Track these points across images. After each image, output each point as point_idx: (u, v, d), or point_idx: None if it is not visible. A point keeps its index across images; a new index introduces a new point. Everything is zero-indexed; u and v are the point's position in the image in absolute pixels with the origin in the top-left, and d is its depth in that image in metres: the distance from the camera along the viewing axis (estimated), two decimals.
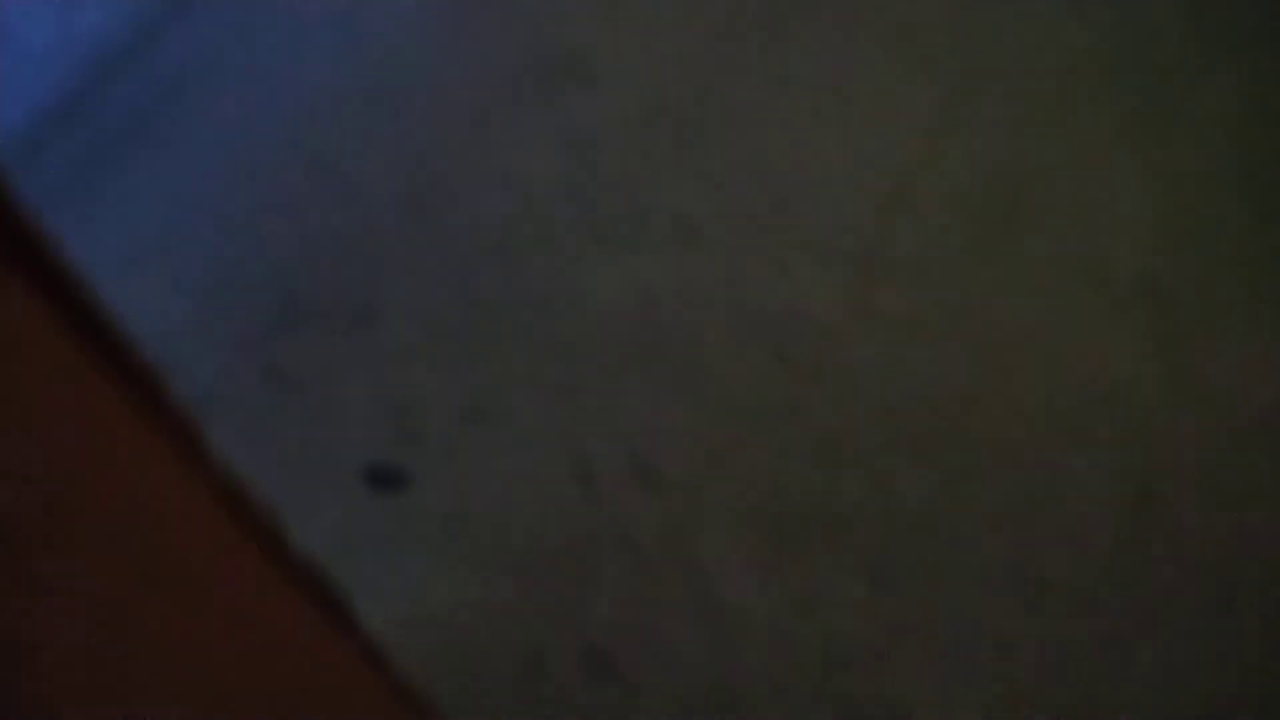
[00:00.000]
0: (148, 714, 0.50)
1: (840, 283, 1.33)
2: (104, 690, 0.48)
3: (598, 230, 1.44)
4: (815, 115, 1.48)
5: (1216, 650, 1.07)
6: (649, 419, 1.26)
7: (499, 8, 1.71)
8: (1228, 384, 1.20)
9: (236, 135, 1.66)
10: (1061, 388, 1.21)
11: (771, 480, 1.19)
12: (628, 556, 1.17)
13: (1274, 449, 1.16)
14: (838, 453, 1.20)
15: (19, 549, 0.45)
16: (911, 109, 1.43)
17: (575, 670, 1.12)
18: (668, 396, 1.27)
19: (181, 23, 1.78)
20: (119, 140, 1.68)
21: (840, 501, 1.18)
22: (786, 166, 1.45)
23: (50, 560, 0.46)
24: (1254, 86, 1.42)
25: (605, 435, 1.26)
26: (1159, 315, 1.26)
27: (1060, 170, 1.38)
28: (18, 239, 0.47)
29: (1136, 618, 1.09)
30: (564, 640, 1.13)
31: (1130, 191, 1.35)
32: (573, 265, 1.41)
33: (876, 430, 1.21)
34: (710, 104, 1.54)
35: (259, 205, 1.57)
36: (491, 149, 1.56)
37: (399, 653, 1.15)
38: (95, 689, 0.48)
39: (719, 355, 1.29)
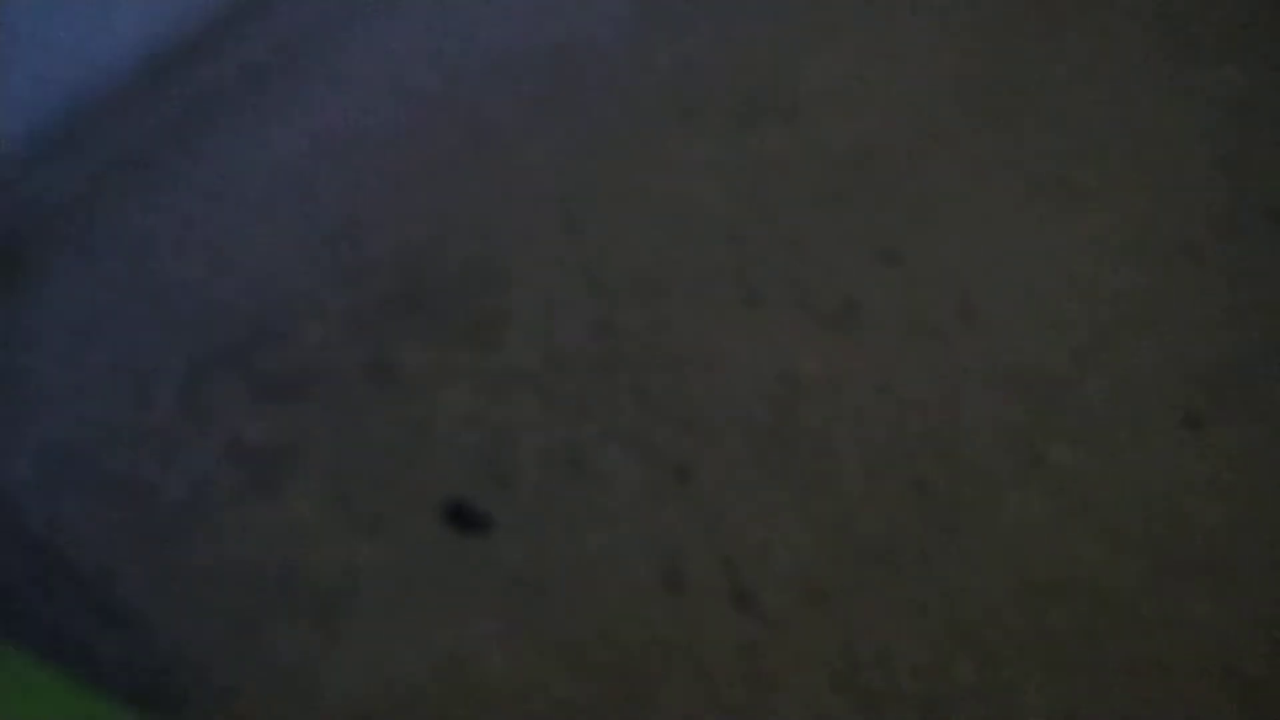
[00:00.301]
0: None
1: (1011, 421, 1.16)
2: None
3: (754, 291, 1.30)
4: (1034, 216, 1.30)
5: None
6: (757, 529, 1.13)
7: (712, 19, 1.56)
8: None
9: (401, 78, 1.57)
10: (1253, 622, 1.03)
11: (877, 639, 1.05)
12: (695, 682, 1.05)
13: None
14: (960, 624, 1.05)
15: None
16: (1148, 243, 1.24)
17: None
18: (784, 508, 1.14)
19: None
20: (281, 61, 1.60)
21: (950, 684, 1.03)
22: (984, 268, 1.27)
23: None
24: None
25: (706, 534, 1.13)
26: None
27: None
28: None
29: None
30: None
31: None
32: (717, 325, 1.28)
33: (1012, 609, 1.06)
34: (914, 170, 1.38)
35: (405, 168, 1.47)
36: (663, 169, 1.43)
37: (424, 710, 1.06)
38: None
39: (853, 473, 1.15)
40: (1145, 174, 1.32)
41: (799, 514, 1.13)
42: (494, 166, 1.48)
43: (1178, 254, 1.24)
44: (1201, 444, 1.13)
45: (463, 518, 1.18)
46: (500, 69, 1.56)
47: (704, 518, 1.14)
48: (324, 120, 1.55)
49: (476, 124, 1.52)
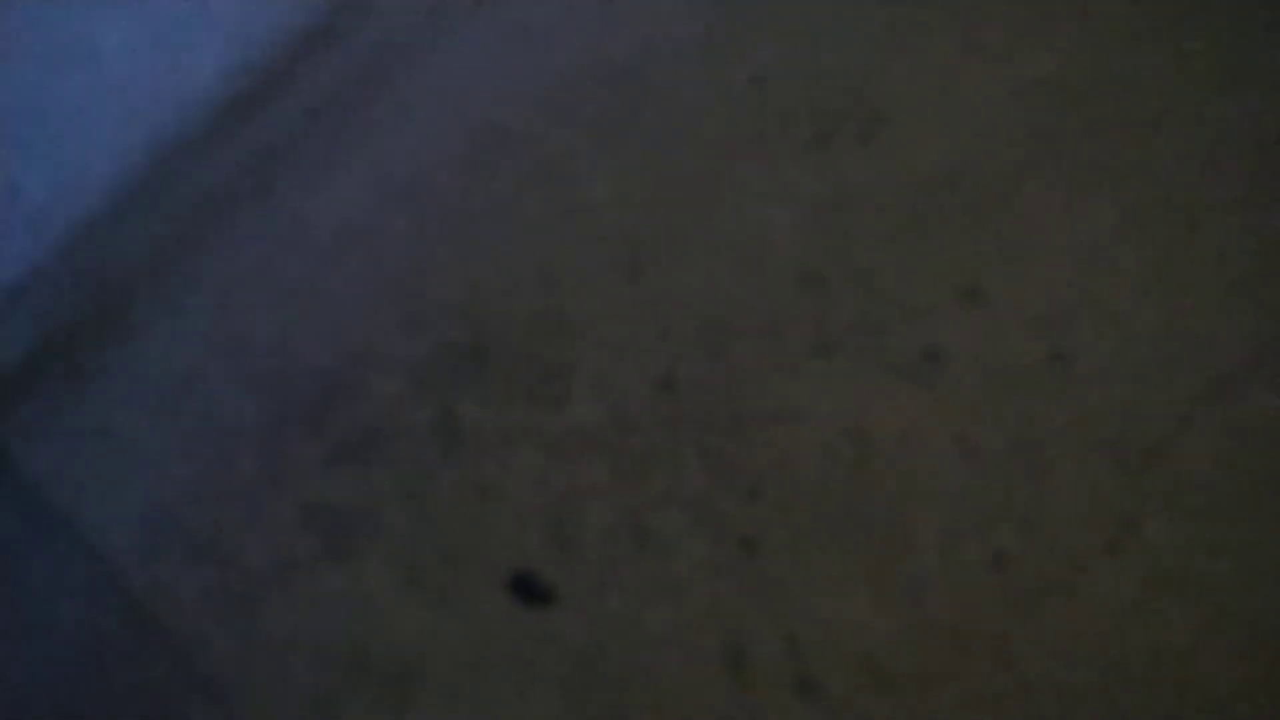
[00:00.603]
0: None
1: (1102, 487, 1.08)
2: None
3: (827, 339, 1.23)
4: (1137, 247, 1.19)
5: None
6: (823, 607, 1.08)
7: (786, 27, 1.47)
8: None
9: (466, 110, 1.53)
10: None
11: None
12: None
13: None
14: (1039, 718, 0.99)
15: None
16: (1271, 280, 1.12)
17: None
18: (852, 583, 1.09)
19: None
20: (349, 96, 1.59)
21: None
22: (1078, 308, 1.18)
23: None
24: None
25: (769, 615, 1.09)
26: None
27: None
28: None
29: None
30: None
31: None
32: (787, 378, 1.22)
33: (1095, 703, 0.99)
34: (1002, 194, 1.28)
35: (471, 207, 1.45)
36: (733, 200, 1.36)
37: None
38: None
39: (927, 545, 1.09)
40: (1273, 194, 1.20)
41: (868, 590, 1.08)
42: (560, 204, 1.44)
43: None
44: None
45: (528, 590, 1.17)
46: (565, 95, 1.51)
47: (768, 593, 1.10)
48: (391, 158, 1.53)
49: (542, 157, 1.48)
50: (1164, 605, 1.02)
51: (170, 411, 1.42)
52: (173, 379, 1.45)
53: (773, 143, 1.42)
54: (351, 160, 1.56)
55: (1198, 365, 1.12)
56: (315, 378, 1.39)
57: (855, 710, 1.03)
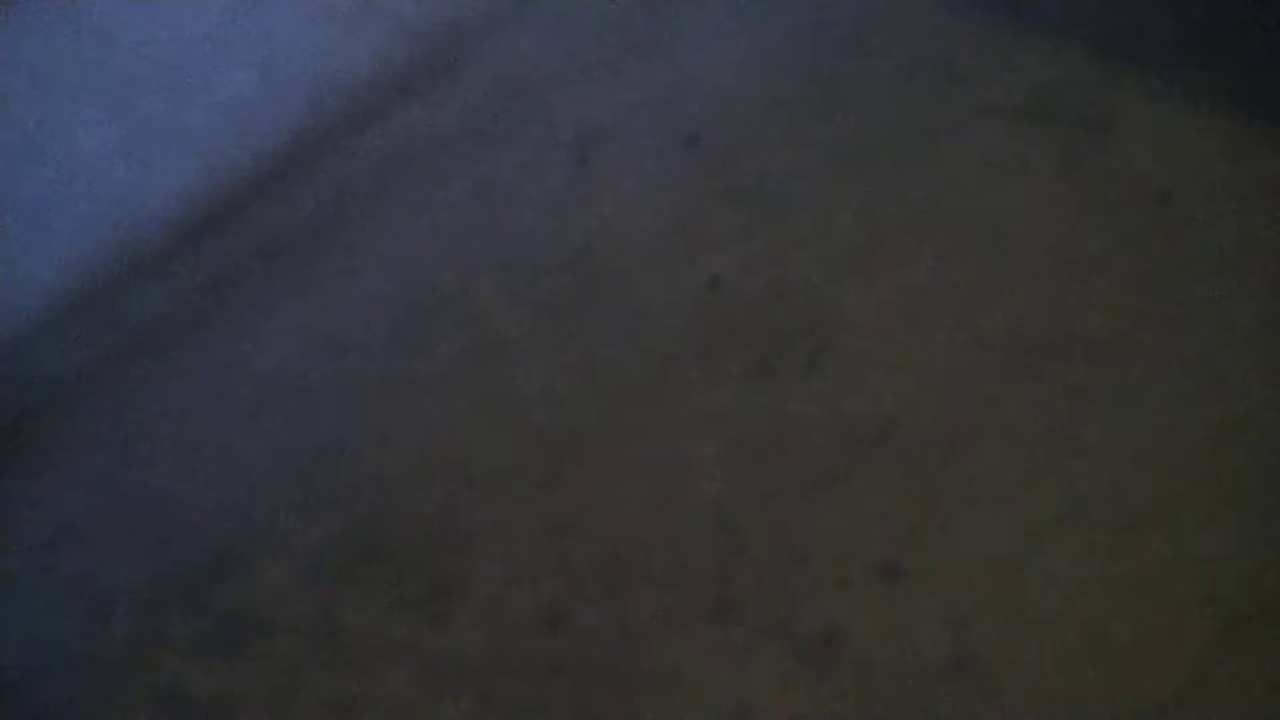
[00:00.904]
0: None
1: None
2: None
3: (730, 599, 1.15)
4: (1072, 546, 1.10)
5: None
6: None
7: (749, 231, 1.41)
8: None
9: (418, 273, 1.47)
10: None
11: None
12: None
13: None
14: None
15: None
16: (1216, 603, 1.03)
17: None
18: None
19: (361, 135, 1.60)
20: (300, 238, 1.54)
21: None
22: (995, 606, 1.09)
23: None
24: None
25: None
26: None
27: None
28: None
29: None
30: None
31: None
32: (679, 638, 1.14)
33: None
34: (940, 457, 1.19)
35: (400, 381, 1.38)
36: (663, 418, 1.29)
37: None
38: None
39: None
40: (1244, 505, 1.10)
41: None
42: (489, 390, 1.37)
43: (1253, 625, 1.03)
44: None
45: None
46: (516, 268, 1.45)
47: None
48: (329, 313, 1.48)
49: (482, 334, 1.42)
50: None
51: (53, 558, 1.36)
52: (64, 523, 1.39)
53: (716, 359, 1.35)
54: (290, 309, 1.51)
55: (1112, 699, 1.03)
56: (206, 547, 1.32)
57: None
